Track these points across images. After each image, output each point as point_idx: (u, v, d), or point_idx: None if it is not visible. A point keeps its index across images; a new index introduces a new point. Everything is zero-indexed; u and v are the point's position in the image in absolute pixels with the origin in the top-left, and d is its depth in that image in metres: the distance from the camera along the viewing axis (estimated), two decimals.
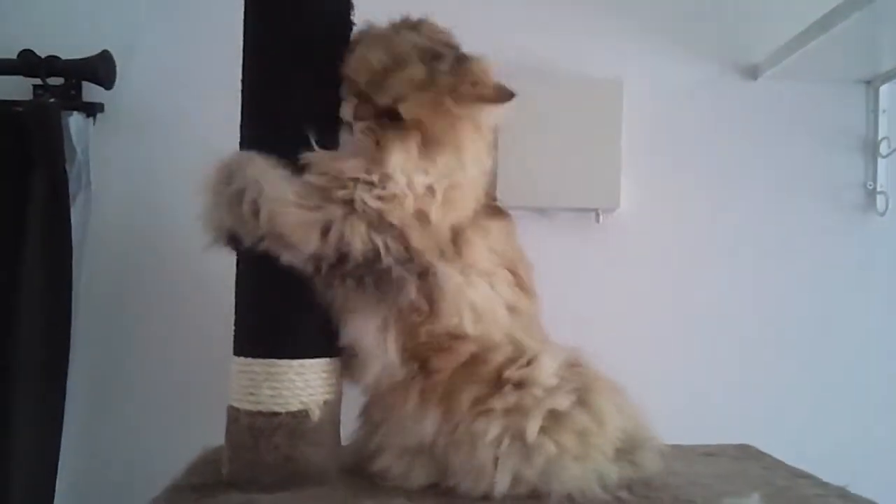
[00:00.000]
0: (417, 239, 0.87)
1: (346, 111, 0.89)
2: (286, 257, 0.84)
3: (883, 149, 1.42)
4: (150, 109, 1.40)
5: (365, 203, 0.84)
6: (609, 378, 0.94)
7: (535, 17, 1.42)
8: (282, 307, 0.87)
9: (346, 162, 0.86)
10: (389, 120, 0.86)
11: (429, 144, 0.87)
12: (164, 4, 1.40)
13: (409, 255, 0.86)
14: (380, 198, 0.85)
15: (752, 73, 1.45)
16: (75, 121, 1.33)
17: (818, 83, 1.44)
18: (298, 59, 0.89)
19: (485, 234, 0.93)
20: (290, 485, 0.85)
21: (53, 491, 1.27)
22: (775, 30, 1.36)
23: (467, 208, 0.92)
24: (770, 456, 1.13)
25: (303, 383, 0.86)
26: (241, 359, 0.89)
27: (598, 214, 1.41)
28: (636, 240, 1.42)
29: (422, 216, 0.87)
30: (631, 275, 1.41)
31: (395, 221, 0.85)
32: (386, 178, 0.86)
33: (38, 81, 1.34)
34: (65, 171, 1.30)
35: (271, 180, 0.84)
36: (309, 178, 0.86)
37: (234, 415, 0.88)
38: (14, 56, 1.32)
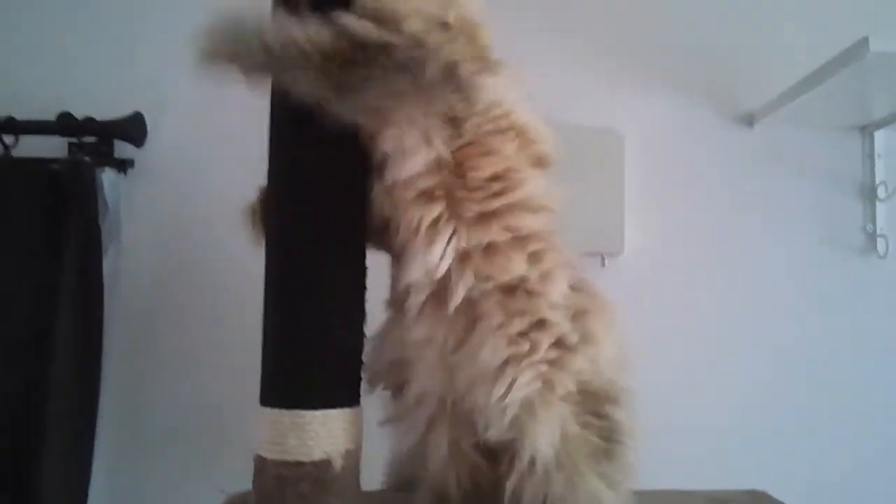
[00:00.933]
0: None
1: None
2: None
3: (881, 193, 1.48)
4: (178, 165, 1.47)
5: None
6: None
7: (541, 70, 1.49)
8: (307, 358, 0.92)
9: None
10: None
11: None
12: (192, 69, 1.48)
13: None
14: None
15: (749, 120, 1.51)
16: (108, 176, 1.41)
17: (814, 129, 1.50)
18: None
19: None
20: None
21: None
22: (770, 78, 1.43)
23: None
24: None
25: (326, 433, 0.91)
26: (268, 409, 0.94)
27: (603, 259, 1.47)
28: (641, 283, 1.47)
29: None
30: (636, 316, 1.45)
31: None
32: None
33: (73, 140, 1.42)
34: (98, 224, 1.38)
35: None
36: None
37: (260, 464, 0.93)
38: (53, 117, 1.41)
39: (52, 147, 1.44)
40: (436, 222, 0.84)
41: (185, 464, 1.42)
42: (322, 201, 0.92)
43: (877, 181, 1.48)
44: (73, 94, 1.45)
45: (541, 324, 0.84)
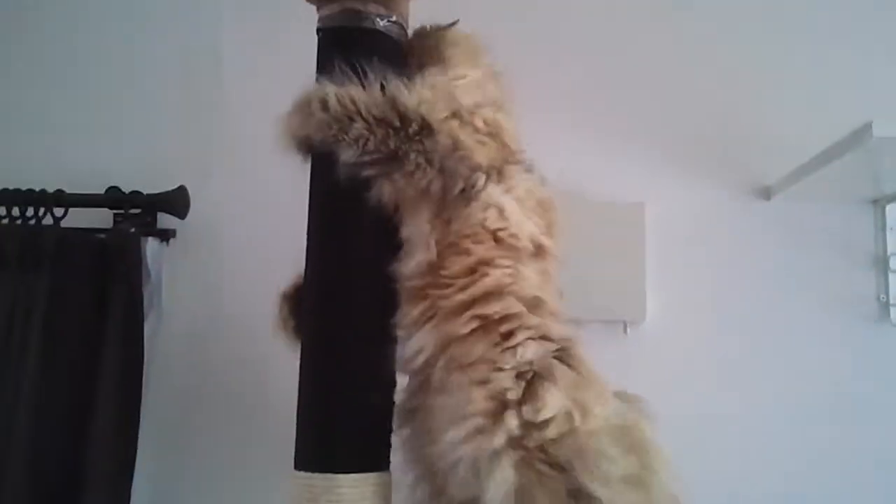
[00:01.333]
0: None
1: None
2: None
3: (893, 264, 1.52)
4: (217, 236, 1.55)
5: None
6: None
7: (565, 146, 1.57)
8: (339, 426, 0.97)
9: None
10: None
11: None
12: (234, 145, 1.58)
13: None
14: None
15: (766, 194, 1.56)
16: (151, 246, 1.48)
17: (828, 203, 1.55)
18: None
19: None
20: None
21: None
22: (787, 153, 1.47)
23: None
24: None
25: (357, 495, 0.96)
26: (301, 472, 0.99)
27: (625, 326, 1.52)
28: (661, 350, 1.51)
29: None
30: (657, 383, 1.49)
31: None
32: None
33: (119, 211, 1.51)
34: (141, 291, 1.45)
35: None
36: None
37: None
38: (99, 190, 1.50)
39: (98, 215, 1.52)
40: (419, 319, 0.96)
41: None
42: (358, 277, 1.00)
43: (889, 252, 1.52)
44: (118, 167, 1.55)
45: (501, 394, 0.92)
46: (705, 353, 1.52)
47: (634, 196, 1.54)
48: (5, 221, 1.47)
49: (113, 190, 1.48)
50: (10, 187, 1.47)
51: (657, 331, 1.52)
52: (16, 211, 1.47)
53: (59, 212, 1.48)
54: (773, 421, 1.49)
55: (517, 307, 0.96)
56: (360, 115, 0.93)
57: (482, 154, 0.97)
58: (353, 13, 1.02)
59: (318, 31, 1.04)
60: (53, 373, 1.39)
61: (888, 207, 1.54)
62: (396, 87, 0.95)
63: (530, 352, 0.94)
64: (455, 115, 0.97)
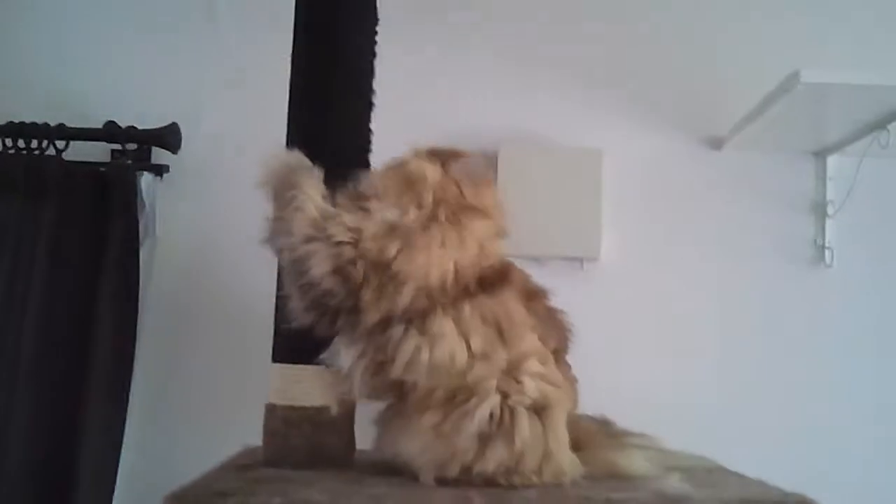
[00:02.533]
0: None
1: None
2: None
3: (830, 210, 1.65)
4: (208, 171, 1.68)
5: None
6: None
7: (529, 95, 1.70)
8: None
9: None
10: None
11: None
12: (224, 84, 1.69)
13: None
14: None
15: (717, 144, 1.69)
16: (145, 179, 1.61)
17: (774, 154, 1.68)
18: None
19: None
20: (313, 464, 1.06)
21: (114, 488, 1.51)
22: (739, 105, 1.58)
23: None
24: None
25: (325, 384, 1.09)
26: (279, 365, 1.12)
27: (582, 262, 1.65)
28: (615, 285, 1.65)
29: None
30: (610, 314, 1.63)
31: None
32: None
33: (117, 146, 1.63)
34: (137, 220, 1.57)
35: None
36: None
37: (270, 409, 1.11)
38: (96, 125, 1.61)
39: (96, 151, 1.64)
40: None
41: (210, 424, 1.61)
42: None
43: (827, 199, 1.66)
44: (114, 104, 1.66)
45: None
46: (655, 288, 1.66)
47: (593, 143, 1.66)
48: (11, 153, 1.58)
49: (110, 124, 1.59)
50: (15, 120, 1.58)
51: (611, 267, 1.65)
52: (21, 143, 1.58)
53: (60, 145, 1.60)
54: (715, 352, 1.64)
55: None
56: None
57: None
58: None
59: None
60: (57, 293, 1.53)
61: (829, 159, 1.67)
62: None
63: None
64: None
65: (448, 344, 0.98)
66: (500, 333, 1.01)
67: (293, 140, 1.17)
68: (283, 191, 1.05)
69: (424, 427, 0.99)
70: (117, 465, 1.51)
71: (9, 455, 1.47)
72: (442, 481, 0.98)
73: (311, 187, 1.04)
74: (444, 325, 0.99)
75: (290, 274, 1.04)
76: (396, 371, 0.99)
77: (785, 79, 1.32)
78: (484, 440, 0.98)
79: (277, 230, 1.06)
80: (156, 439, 1.61)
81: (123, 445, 1.52)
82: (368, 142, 1.20)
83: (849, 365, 1.64)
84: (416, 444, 0.99)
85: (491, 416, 0.98)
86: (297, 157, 1.07)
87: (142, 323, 1.56)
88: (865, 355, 1.64)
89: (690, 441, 1.47)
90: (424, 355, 0.98)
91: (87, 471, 1.48)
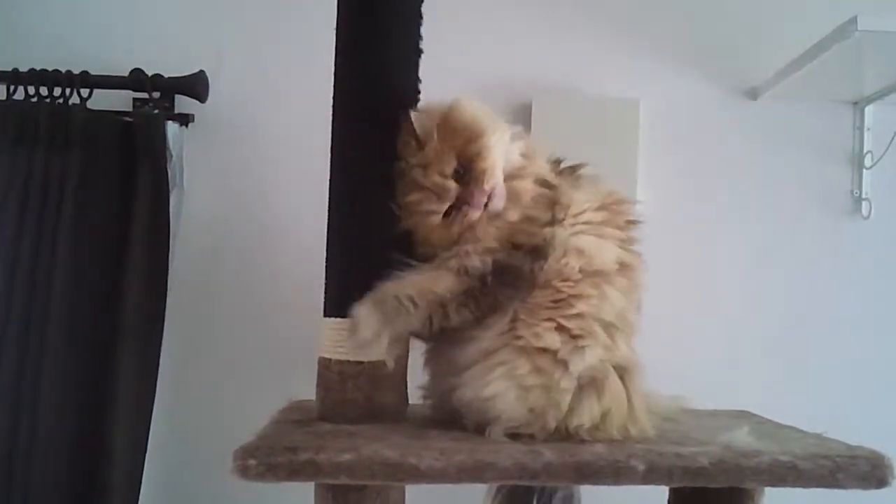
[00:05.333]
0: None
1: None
2: None
3: (867, 161, 1.64)
4: (234, 120, 1.63)
5: None
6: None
7: (567, 45, 1.66)
8: (366, 274, 1.05)
9: None
10: None
11: None
12: (251, 30, 1.64)
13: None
14: None
15: (753, 94, 1.66)
16: (171, 128, 1.56)
17: (811, 103, 1.65)
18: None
19: None
20: (369, 419, 1.06)
21: (146, 444, 1.50)
22: (775, 55, 1.56)
23: None
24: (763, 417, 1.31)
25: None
26: (332, 319, 1.10)
27: None
28: (650, 235, 1.63)
29: None
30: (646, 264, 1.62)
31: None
32: None
33: (140, 95, 1.57)
34: (165, 169, 1.53)
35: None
36: None
37: (325, 363, 1.09)
38: (120, 73, 1.56)
39: (119, 99, 1.59)
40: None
41: (248, 379, 1.60)
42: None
43: (864, 150, 1.64)
44: (139, 51, 1.60)
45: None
46: (690, 241, 1.64)
47: (630, 92, 1.63)
48: (34, 100, 1.53)
49: (137, 71, 1.54)
50: (38, 68, 1.53)
51: (647, 217, 1.63)
52: (44, 90, 1.53)
53: (84, 93, 1.54)
54: (748, 303, 1.64)
55: (594, 327, 1.04)
56: None
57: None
58: None
59: None
60: (86, 242, 1.49)
61: (867, 109, 1.65)
62: None
63: (593, 358, 1.02)
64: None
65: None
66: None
67: (341, 85, 1.14)
68: None
69: (521, 373, 1.00)
70: (150, 417, 1.50)
71: (41, 399, 1.45)
72: (513, 436, 0.98)
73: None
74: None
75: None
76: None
77: (840, 25, 1.29)
78: (578, 393, 1.00)
79: None
80: (188, 387, 1.60)
81: (156, 399, 1.51)
82: (417, 88, 1.17)
83: (885, 317, 1.64)
84: (510, 394, 1.00)
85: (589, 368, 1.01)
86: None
87: (172, 273, 1.53)
88: None
89: (728, 397, 1.51)
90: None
91: (119, 422, 1.47)
